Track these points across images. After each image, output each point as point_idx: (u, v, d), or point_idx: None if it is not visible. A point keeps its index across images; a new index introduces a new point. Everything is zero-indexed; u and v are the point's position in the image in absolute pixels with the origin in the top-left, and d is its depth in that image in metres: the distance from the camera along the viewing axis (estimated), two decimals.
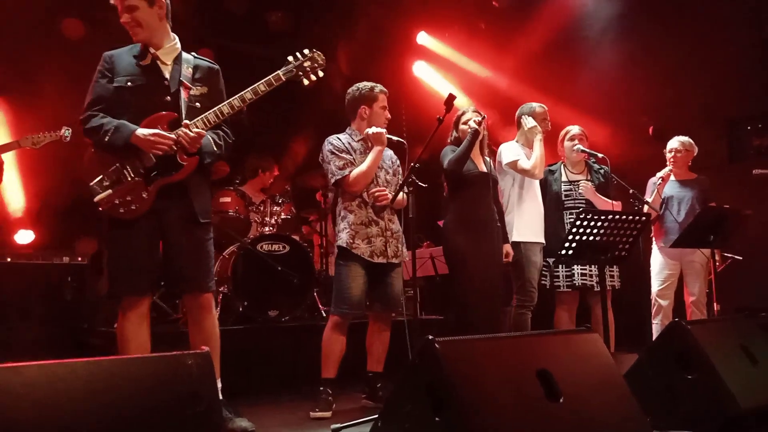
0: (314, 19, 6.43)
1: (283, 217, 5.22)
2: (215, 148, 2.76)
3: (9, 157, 3.38)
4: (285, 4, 6.36)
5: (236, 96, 2.73)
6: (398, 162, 3.66)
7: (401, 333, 3.39)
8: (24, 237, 5.25)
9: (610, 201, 4.12)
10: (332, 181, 3.41)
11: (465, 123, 3.82)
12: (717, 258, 4.21)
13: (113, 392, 1.49)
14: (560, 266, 4.11)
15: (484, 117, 3.77)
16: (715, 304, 4.19)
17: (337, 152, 3.42)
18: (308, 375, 3.53)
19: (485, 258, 3.66)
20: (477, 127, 3.65)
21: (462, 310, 3.72)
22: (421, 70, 7.35)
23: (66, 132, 3.44)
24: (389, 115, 3.56)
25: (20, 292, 4.12)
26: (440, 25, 7.01)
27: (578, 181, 4.23)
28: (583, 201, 4.19)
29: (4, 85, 4.92)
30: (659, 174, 4.44)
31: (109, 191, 2.62)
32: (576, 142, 4.24)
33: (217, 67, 2.90)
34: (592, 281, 4.04)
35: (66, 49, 4.86)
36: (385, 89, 3.58)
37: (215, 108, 2.71)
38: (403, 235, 3.52)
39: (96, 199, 2.63)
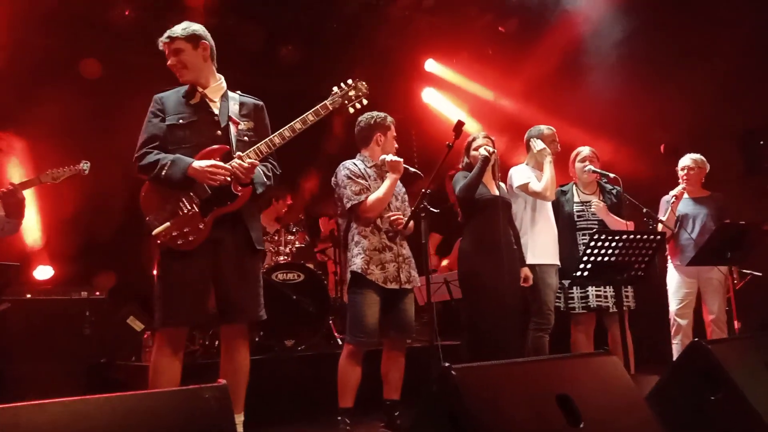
0: (324, 52, 6.55)
1: (297, 245, 5.25)
2: (265, 179, 2.85)
3: (28, 193, 3.46)
4: (295, 38, 6.48)
5: (286, 126, 2.82)
6: (404, 190, 3.71)
7: (415, 359, 3.37)
8: (43, 273, 5.33)
9: (623, 221, 4.11)
10: (348, 205, 3.43)
11: (476, 149, 3.85)
12: (735, 275, 4.16)
13: (134, 428, 1.50)
14: (575, 288, 4.08)
15: (493, 149, 3.79)
16: (735, 321, 4.12)
17: (353, 177, 3.45)
18: (326, 404, 3.50)
19: (502, 282, 3.64)
20: (487, 154, 3.67)
21: (479, 334, 3.70)
22: (430, 97, 7.43)
23: (84, 166, 3.50)
24: (397, 145, 3.65)
25: (41, 328, 4.16)
26: (448, 52, 7.11)
27: (590, 201, 4.23)
28: (596, 221, 4.18)
29: (22, 123, 5.05)
30: (672, 192, 4.43)
31: (167, 224, 2.67)
32: (587, 163, 4.24)
33: (261, 103, 3.02)
34: (608, 302, 4.00)
35: (83, 87, 4.98)
36: (393, 120, 3.67)
37: (266, 139, 2.80)
38: (413, 260, 3.53)
39: (154, 232, 2.67)
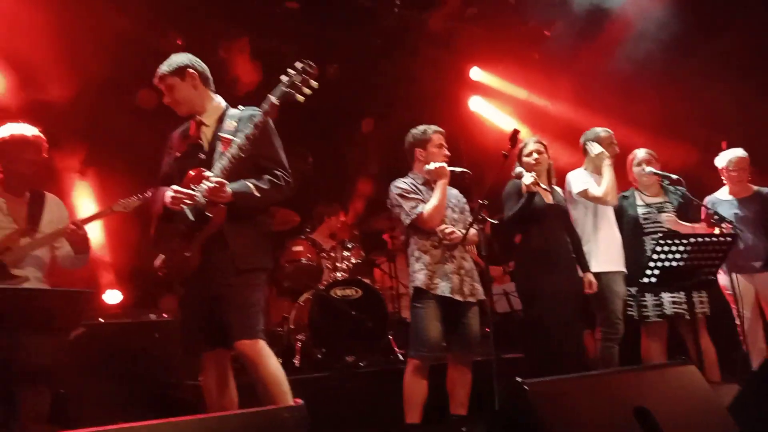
0: (368, 68, 6.62)
1: (353, 261, 5.28)
2: (256, 192, 2.70)
3: (96, 222, 3.62)
4: (338, 56, 6.58)
5: (241, 133, 2.69)
6: (464, 200, 3.68)
7: (480, 373, 3.33)
8: (112, 297, 5.53)
9: (696, 225, 3.96)
10: (406, 222, 3.44)
11: (528, 155, 3.82)
12: None
13: None
14: (648, 295, 3.92)
15: (534, 177, 3.70)
16: None
17: (406, 194, 3.48)
18: (392, 420, 3.50)
19: (560, 291, 3.59)
20: (531, 188, 3.57)
21: (541, 346, 3.64)
22: (477, 105, 7.40)
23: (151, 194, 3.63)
24: (447, 152, 3.62)
25: (112, 351, 4.30)
26: (492, 60, 7.07)
27: (656, 204, 4.09)
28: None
29: (93, 156, 5.29)
30: (719, 196, 4.28)
31: (162, 256, 2.75)
32: (644, 166, 4.12)
33: (256, 112, 2.76)
34: (685, 308, 3.82)
35: (144, 116, 5.17)
36: (439, 129, 3.65)
37: (227, 153, 2.67)
38: (476, 273, 3.51)
39: (155, 265, 2.76)
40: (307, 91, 2.69)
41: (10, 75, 4.80)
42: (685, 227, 3.94)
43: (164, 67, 2.86)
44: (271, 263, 2.90)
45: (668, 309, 3.88)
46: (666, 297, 3.89)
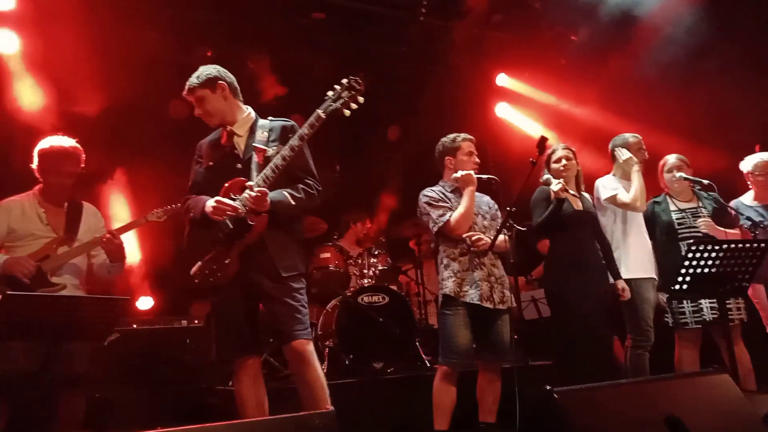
0: (394, 76, 6.65)
1: (380, 268, 5.31)
2: (292, 201, 2.78)
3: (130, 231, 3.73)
4: (365, 65, 6.63)
5: (286, 146, 2.76)
6: (496, 207, 3.68)
7: (510, 380, 3.31)
8: (145, 303, 5.65)
9: (733, 230, 3.88)
10: (434, 229, 3.47)
11: (557, 161, 3.80)
12: None
13: None
14: (685, 301, 3.85)
15: (561, 183, 3.68)
16: None
17: (434, 203, 3.52)
18: (420, 427, 3.50)
19: (589, 297, 3.56)
20: (559, 195, 3.56)
21: (569, 353, 3.61)
22: (503, 111, 7.37)
23: None
24: (477, 160, 3.64)
25: (145, 356, 4.40)
26: (519, 66, 7.04)
27: (690, 209, 4.03)
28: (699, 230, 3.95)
29: (126, 167, 5.43)
30: (744, 201, 4.18)
31: (199, 263, 2.80)
32: (674, 172, 4.06)
33: (291, 123, 2.95)
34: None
35: (175, 127, 5.28)
36: (469, 137, 3.67)
37: (270, 164, 2.74)
38: (507, 280, 3.50)
39: (191, 272, 2.82)
40: (354, 106, 2.77)
41: (49, 90, 4.96)
42: (721, 232, 3.86)
43: (194, 80, 2.92)
44: (306, 268, 2.96)
45: (707, 315, 3.79)
46: (705, 303, 3.81)
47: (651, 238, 4.04)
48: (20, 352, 2.93)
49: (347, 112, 2.76)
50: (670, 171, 4.09)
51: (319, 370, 2.81)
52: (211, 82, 2.91)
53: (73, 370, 3.05)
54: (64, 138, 3.37)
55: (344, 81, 2.79)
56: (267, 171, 2.73)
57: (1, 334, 2.60)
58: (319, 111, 2.76)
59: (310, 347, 2.79)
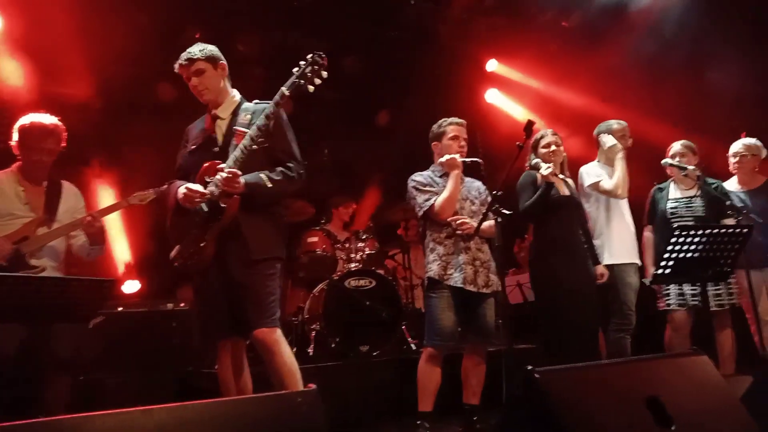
0: (384, 59, 6.62)
1: (367, 252, 5.31)
2: (269, 183, 2.74)
3: (114, 214, 3.67)
4: (356, 48, 6.59)
5: (253, 125, 2.72)
6: (486, 193, 3.68)
7: (495, 363, 3.34)
8: (131, 287, 5.63)
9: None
10: (420, 213, 3.50)
11: (546, 146, 3.80)
12: None
13: (232, 431, 1.58)
14: (671, 285, 3.90)
15: (550, 166, 3.69)
16: None
17: (420, 187, 3.53)
18: (405, 409, 3.53)
19: (576, 281, 3.59)
20: (549, 179, 3.57)
21: (555, 336, 3.64)
22: (493, 97, 7.36)
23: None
24: (463, 143, 3.61)
25: (132, 339, 4.38)
26: (510, 51, 7.01)
27: (686, 197, 4.06)
28: (692, 218, 3.98)
29: (109, 149, 5.37)
30: (728, 187, 4.20)
31: (177, 247, 2.81)
32: (668, 158, 4.08)
33: (270, 105, 2.79)
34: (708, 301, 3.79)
35: (162, 110, 5.24)
36: (457, 120, 3.65)
37: (240, 145, 2.72)
38: (494, 264, 3.51)
39: (170, 256, 2.82)
40: (317, 81, 2.69)
41: (32, 68, 4.88)
42: None
43: (196, 51, 2.85)
44: (284, 253, 2.92)
45: (689, 300, 3.86)
46: (687, 288, 3.87)
47: (652, 224, 4.09)
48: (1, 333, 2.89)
49: (311, 88, 2.70)
50: (672, 158, 4.10)
51: (285, 356, 2.72)
52: (214, 59, 2.89)
53: (58, 352, 3.02)
54: (45, 115, 3.28)
55: (308, 57, 2.72)
56: (236, 152, 2.70)
57: None
58: (283, 88, 2.72)
59: (275, 335, 2.71)
